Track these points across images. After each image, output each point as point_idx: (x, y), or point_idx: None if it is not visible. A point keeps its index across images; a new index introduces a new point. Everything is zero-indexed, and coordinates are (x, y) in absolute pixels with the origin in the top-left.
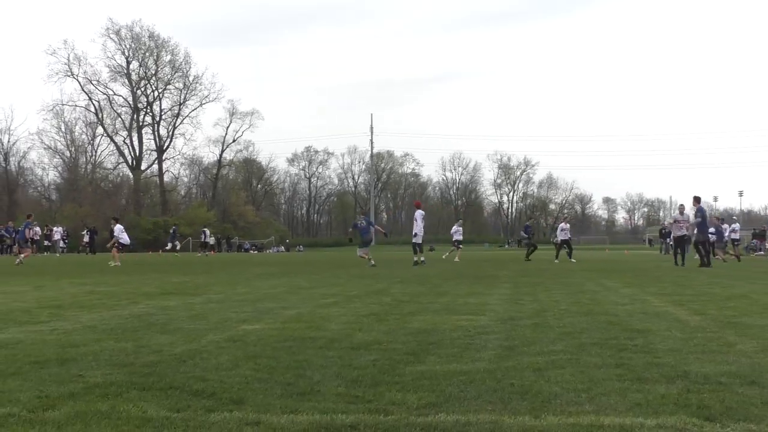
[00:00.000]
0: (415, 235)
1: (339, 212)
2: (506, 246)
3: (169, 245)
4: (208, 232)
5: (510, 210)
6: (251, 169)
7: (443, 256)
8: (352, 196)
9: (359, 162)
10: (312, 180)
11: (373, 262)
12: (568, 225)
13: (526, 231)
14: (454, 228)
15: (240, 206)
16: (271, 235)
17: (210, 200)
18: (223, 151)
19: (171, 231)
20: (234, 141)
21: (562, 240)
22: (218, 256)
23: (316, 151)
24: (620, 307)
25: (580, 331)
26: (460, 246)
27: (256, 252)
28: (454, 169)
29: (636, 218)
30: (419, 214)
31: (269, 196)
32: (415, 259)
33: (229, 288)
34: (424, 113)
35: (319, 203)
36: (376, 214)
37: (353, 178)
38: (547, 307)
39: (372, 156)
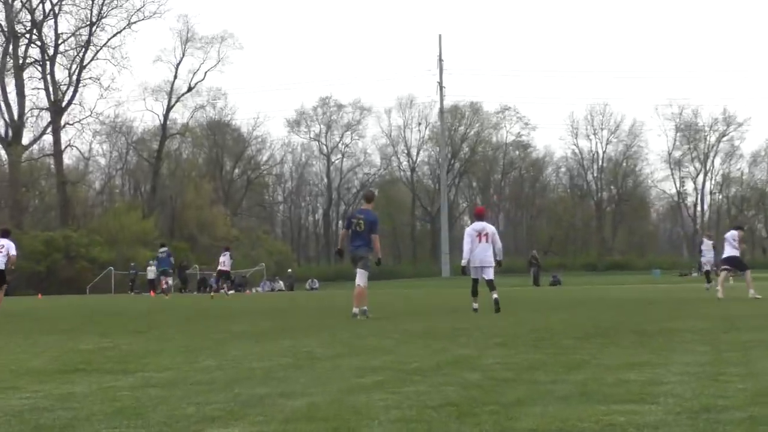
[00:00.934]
0: (464, 266)
1: (385, 217)
2: (694, 274)
3: (167, 282)
4: (228, 258)
5: (698, 207)
6: (222, 140)
7: (713, 289)
8: (408, 187)
9: (419, 124)
10: (333, 158)
11: (356, 310)
12: None
13: None
14: (732, 236)
15: (202, 209)
16: (261, 262)
17: (147, 199)
18: (170, 108)
19: (160, 255)
20: (190, 90)
21: None
22: (158, 300)
23: (340, 107)
24: None
25: None
26: (736, 270)
27: (231, 292)
28: (594, 135)
29: None
30: (469, 231)
31: (256, 190)
32: (474, 306)
33: (185, 359)
34: (533, 37)
35: (346, 201)
36: (453, 220)
37: (408, 154)
38: None
39: (442, 113)
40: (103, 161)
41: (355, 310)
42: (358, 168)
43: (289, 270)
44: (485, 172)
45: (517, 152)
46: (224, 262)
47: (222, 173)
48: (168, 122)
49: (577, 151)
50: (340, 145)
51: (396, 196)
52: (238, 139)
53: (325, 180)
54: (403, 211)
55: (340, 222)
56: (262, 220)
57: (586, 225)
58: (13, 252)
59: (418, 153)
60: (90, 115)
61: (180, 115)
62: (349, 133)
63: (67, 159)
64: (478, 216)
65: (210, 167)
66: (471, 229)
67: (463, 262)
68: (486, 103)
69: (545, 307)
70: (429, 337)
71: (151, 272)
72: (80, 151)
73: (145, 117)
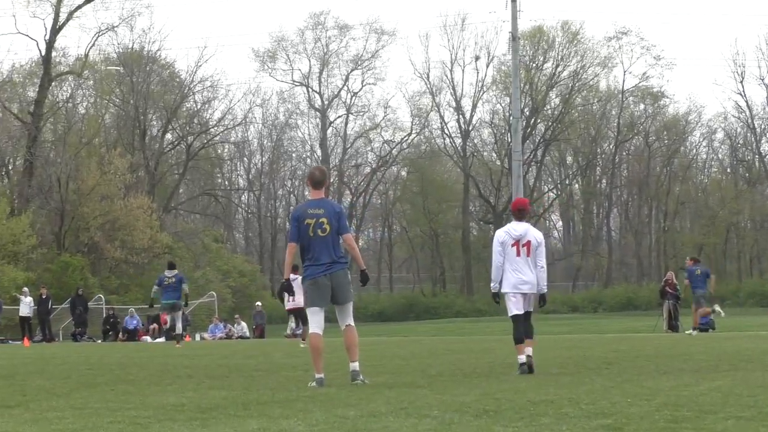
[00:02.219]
0: (495, 292)
1: (418, 213)
2: None
3: (175, 323)
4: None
5: None
6: (145, 85)
7: None
8: (458, 164)
9: (475, 59)
10: (333, 116)
11: (321, 376)
12: None
13: None
14: None
15: (111, 201)
16: (210, 290)
17: (19, 183)
18: (57, 29)
19: (167, 280)
20: (92, 0)
21: None
22: (33, 349)
23: (344, 29)
24: None
25: None
26: None
27: (160, 340)
28: None
29: None
30: (502, 237)
31: (202, 169)
32: (522, 359)
33: None
34: None
35: (354, 187)
36: (532, 220)
37: (459, 109)
38: None
39: (515, 39)
40: None
41: (320, 376)
42: (374, 132)
43: (258, 304)
44: (587, 139)
45: (642, 106)
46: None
47: (145, 140)
48: (54, 54)
49: (743, 103)
50: (343, 93)
51: (436, 179)
52: (171, 84)
53: (319, 152)
54: (448, 204)
55: (362, 224)
56: (213, 219)
57: (760, 228)
58: None
59: (474, 107)
60: None
61: (75, 43)
62: (359, 73)
63: None
64: (518, 213)
65: (125, 130)
66: (504, 233)
67: (494, 286)
68: (590, 23)
69: (687, 368)
70: (490, 416)
71: (25, 307)
72: None
73: (14, 45)
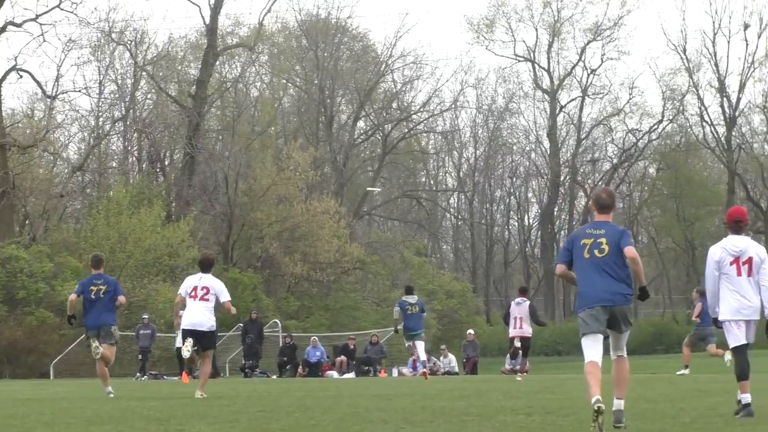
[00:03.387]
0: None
1: (669, 218)
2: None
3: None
4: (526, 310)
5: None
6: (332, 62)
7: None
8: (721, 158)
9: (744, 28)
10: (564, 98)
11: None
12: None
13: None
14: None
15: (291, 204)
16: None
17: (177, 182)
18: None
19: (408, 306)
20: None
21: None
22: (193, 386)
23: None
24: None
25: None
26: None
27: (348, 375)
28: None
29: None
30: (717, 254)
31: (401, 165)
32: (746, 398)
33: None
34: None
35: (592, 182)
36: None
37: (722, 90)
38: None
39: None
40: (86, 104)
41: (597, 397)
42: (616, 119)
43: (470, 332)
44: None
45: None
46: (521, 318)
47: (332, 130)
48: (220, 23)
49: None
50: (578, 70)
51: (694, 177)
52: (364, 60)
53: (547, 144)
54: (708, 208)
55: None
56: (415, 227)
57: None
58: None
59: (742, 88)
60: (56, 7)
61: (246, 8)
62: (598, 45)
63: (10, 98)
64: (735, 225)
65: (307, 117)
66: (721, 249)
67: (714, 311)
68: None
69: None
70: None
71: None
72: (37, 82)
73: (171, 11)
